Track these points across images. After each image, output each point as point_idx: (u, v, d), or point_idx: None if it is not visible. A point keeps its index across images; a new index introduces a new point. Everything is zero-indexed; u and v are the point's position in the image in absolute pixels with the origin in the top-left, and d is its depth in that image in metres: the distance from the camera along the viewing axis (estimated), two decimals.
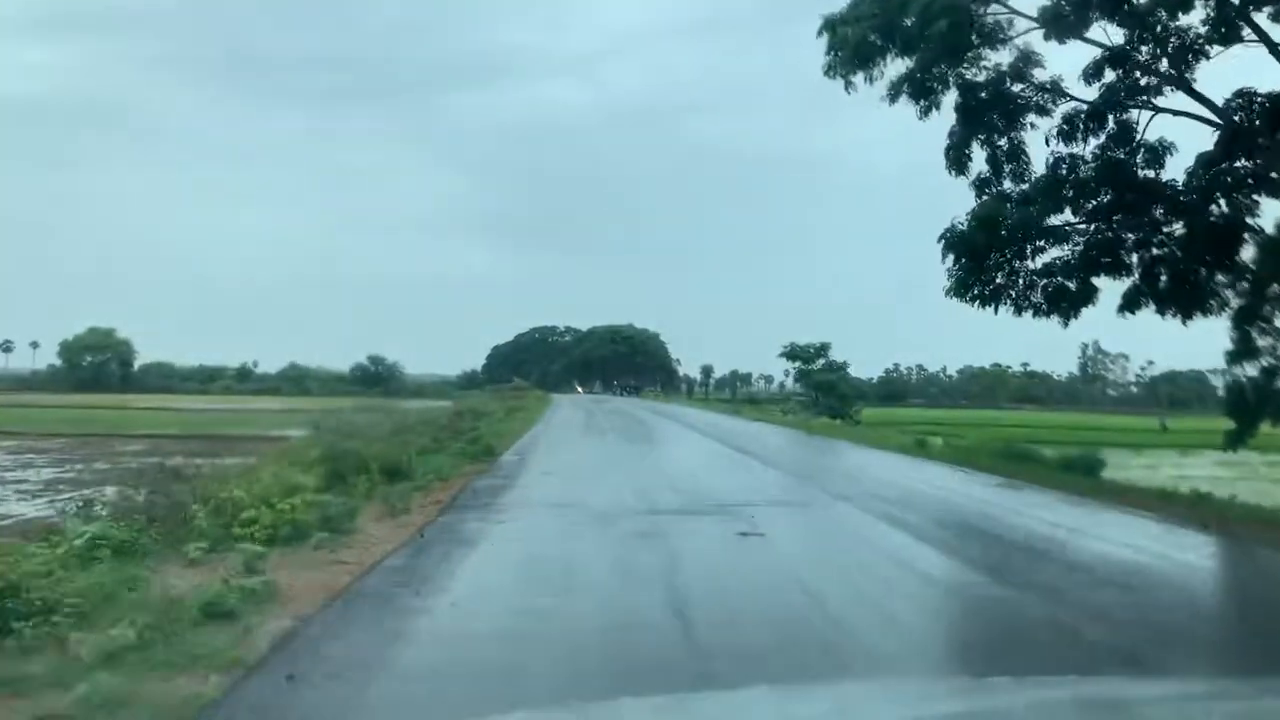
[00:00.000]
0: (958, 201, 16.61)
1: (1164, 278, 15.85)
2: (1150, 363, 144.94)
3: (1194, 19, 15.11)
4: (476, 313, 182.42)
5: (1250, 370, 15.09)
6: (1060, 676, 2.26)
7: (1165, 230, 16.00)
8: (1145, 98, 15.83)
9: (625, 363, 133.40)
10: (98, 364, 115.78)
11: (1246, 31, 14.58)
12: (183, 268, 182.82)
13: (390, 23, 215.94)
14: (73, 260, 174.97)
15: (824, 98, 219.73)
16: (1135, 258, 16.10)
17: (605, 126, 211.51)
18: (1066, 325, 16.28)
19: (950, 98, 16.22)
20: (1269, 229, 14.94)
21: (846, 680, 4.24)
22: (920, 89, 15.98)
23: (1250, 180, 15.22)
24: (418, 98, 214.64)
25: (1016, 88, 16.27)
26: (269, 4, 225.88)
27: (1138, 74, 15.72)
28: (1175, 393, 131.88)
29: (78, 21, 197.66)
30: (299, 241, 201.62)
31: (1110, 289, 16.13)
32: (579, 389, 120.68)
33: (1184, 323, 15.69)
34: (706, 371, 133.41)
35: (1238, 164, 15.34)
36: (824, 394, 49.94)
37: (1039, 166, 16.48)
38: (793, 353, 51.03)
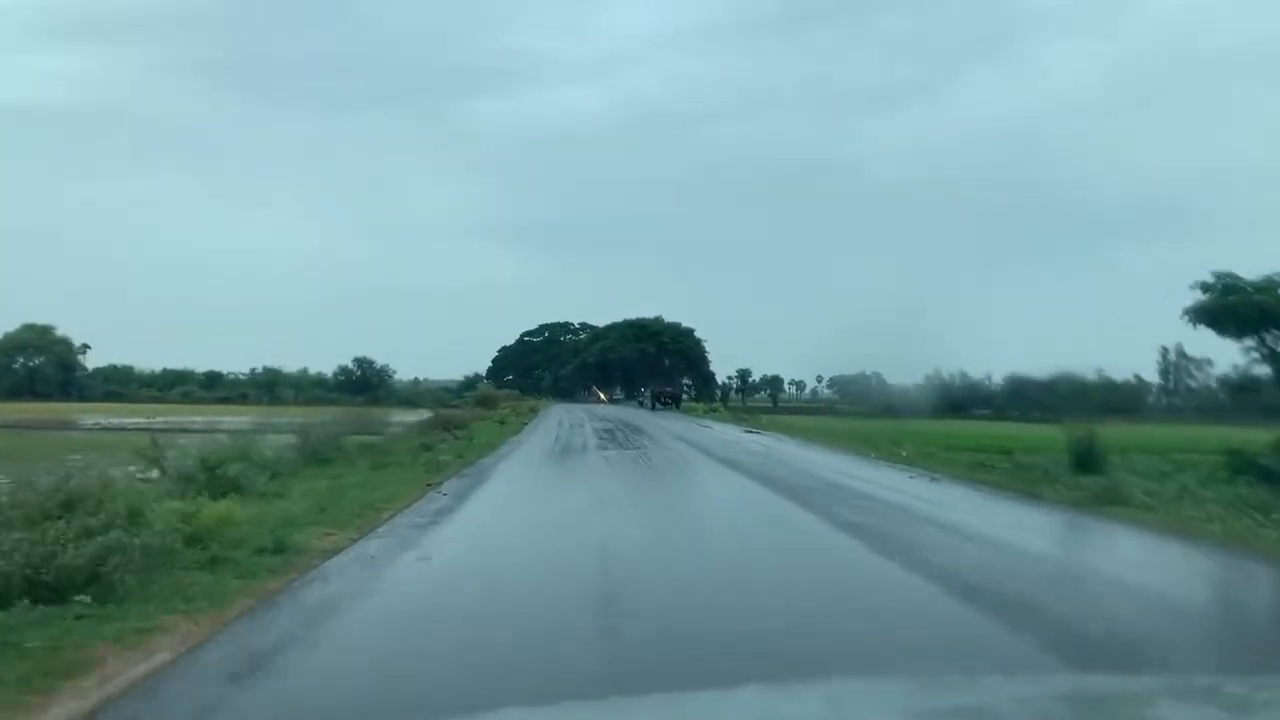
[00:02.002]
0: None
1: None
2: (1235, 366, 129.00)
3: None
4: (492, 317, 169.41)
5: None
6: (1053, 674, 2.34)
7: None
8: None
9: (652, 364, 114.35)
10: (32, 367, 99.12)
11: None
12: (187, 272, 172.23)
13: (405, 27, 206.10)
14: (78, 264, 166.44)
15: (843, 102, 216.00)
16: None
17: (623, 132, 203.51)
18: None
19: None
20: None
21: (839, 679, 2.80)
22: None
23: None
24: (433, 103, 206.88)
25: None
26: (283, 8, 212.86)
27: None
28: (1266, 399, 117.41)
29: (91, 27, 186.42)
30: (310, 248, 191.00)
31: None
32: (600, 396, 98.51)
33: None
34: (743, 376, 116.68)
35: None
36: None
37: None
38: (1231, 309, 20.96)
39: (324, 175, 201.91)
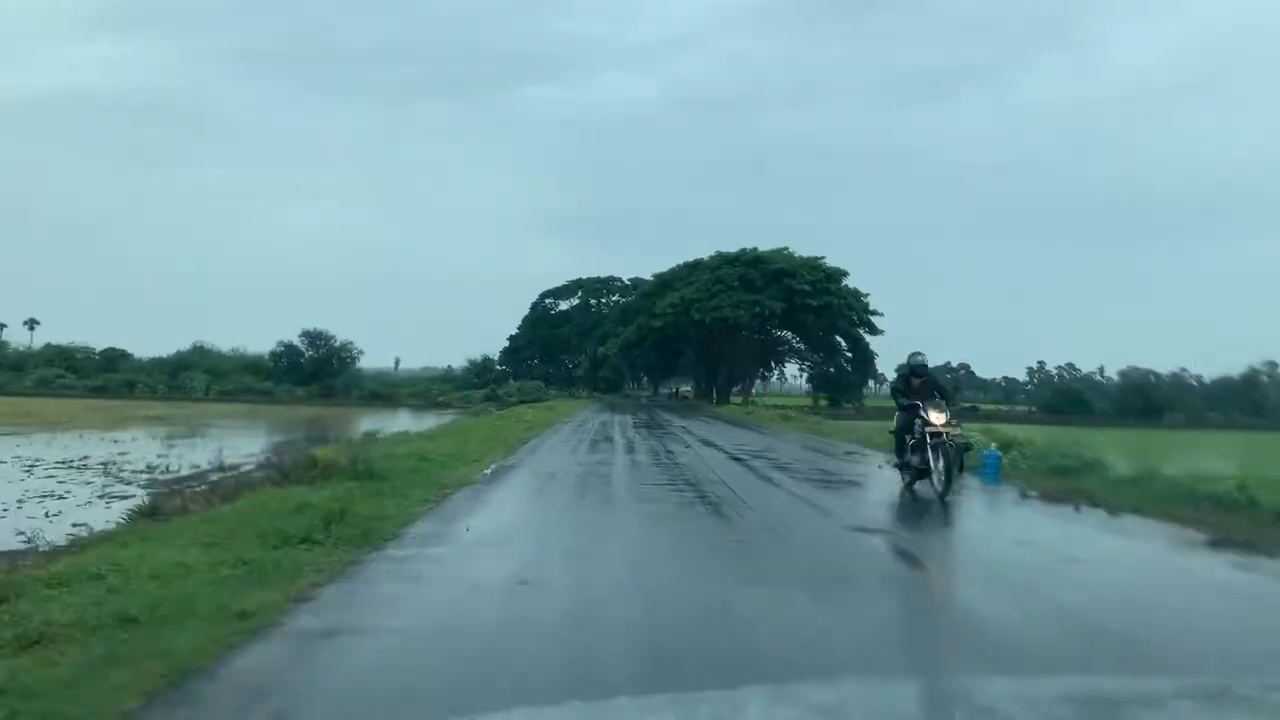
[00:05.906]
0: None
1: None
2: None
3: None
4: (526, 305, 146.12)
5: None
6: (1062, 675, 2.24)
7: None
8: None
9: (770, 331, 69.27)
10: None
11: None
12: (232, 258, 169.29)
13: (455, 15, 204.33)
14: (143, 259, 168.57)
15: (903, 88, 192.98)
16: None
17: (675, 118, 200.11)
18: None
19: None
20: None
21: (844, 680, 3.34)
22: None
23: None
24: (485, 91, 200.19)
25: None
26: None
27: None
28: None
29: (142, 17, 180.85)
30: (356, 237, 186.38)
31: None
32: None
33: None
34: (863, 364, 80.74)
35: None
36: None
37: None
38: None
39: (373, 169, 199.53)
